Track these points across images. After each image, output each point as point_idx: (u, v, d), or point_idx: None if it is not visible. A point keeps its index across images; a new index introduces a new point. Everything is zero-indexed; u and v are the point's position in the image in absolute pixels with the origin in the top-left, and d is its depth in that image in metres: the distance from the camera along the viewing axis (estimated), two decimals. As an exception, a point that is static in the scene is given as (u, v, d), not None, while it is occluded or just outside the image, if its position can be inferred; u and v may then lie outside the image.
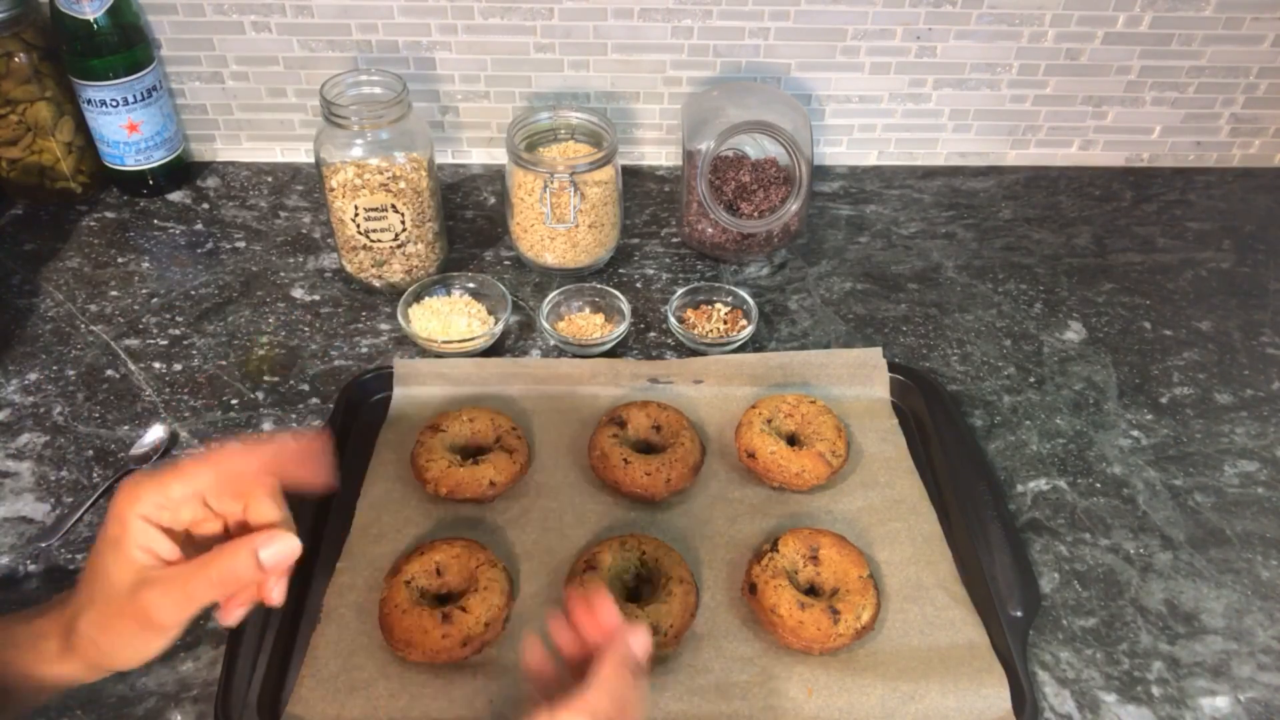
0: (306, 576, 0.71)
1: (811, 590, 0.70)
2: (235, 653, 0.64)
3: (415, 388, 0.85)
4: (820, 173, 1.15)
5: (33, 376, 0.86)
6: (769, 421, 0.79)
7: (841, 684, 0.64)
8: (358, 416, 0.83)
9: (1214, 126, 1.15)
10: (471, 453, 0.78)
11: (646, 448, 0.79)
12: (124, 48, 0.97)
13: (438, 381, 0.85)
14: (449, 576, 0.69)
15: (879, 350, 0.87)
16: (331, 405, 0.83)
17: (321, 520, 0.75)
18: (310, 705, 0.63)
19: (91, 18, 0.94)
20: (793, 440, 0.79)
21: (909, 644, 0.67)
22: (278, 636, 0.65)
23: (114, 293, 0.95)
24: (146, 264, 0.99)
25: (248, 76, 1.07)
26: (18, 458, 0.78)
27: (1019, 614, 0.68)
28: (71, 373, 0.86)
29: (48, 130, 1.00)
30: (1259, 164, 1.19)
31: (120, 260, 0.99)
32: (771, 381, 0.85)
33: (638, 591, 0.70)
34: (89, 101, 0.99)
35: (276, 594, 0.52)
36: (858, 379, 0.86)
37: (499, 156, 1.13)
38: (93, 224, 1.04)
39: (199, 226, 1.04)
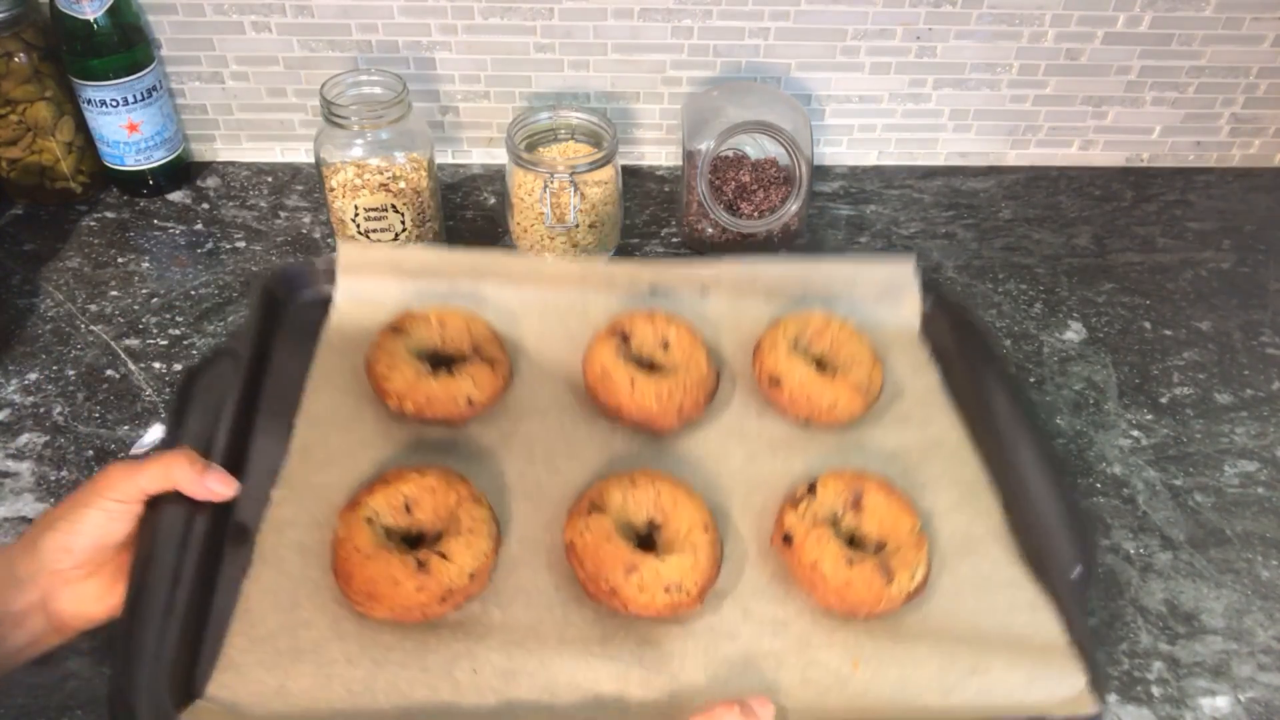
0: (225, 509, 0.58)
1: (852, 543, 0.60)
2: (136, 612, 0.51)
3: (364, 279, 0.72)
4: (820, 173, 1.15)
5: (33, 376, 0.86)
6: (794, 343, 0.68)
7: (892, 654, 0.55)
8: (287, 315, 0.71)
9: (1214, 126, 1.15)
10: (440, 363, 0.66)
11: (651, 367, 0.68)
12: (124, 48, 0.97)
13: (391, 274, 0.72)
14: (420, 514, 0.57)
15: (911, 264, 0.76)
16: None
17: (244, 439, 0.61)
18: (243, 673, 0.50)
19: (91, 18, 0.94)
20: (820, 366, 0.68)
21: (964, 607, 0.58)
22: (190, 599, 0.53)
23: (114, 293, 0.95)
24: (146, 264, 0.99)
25: (248, 76, 1.07)
26: (18, 458, 0.78)
27: (1075, 574, 0.59)
28: (71, 373, 0.86)
29: (48, 130, 1.00)
30: (1259, 164, 1.19)
31: (120, 260, 0.99)
32: (789, 295, 0.74)
33: (649, 539, 0.60)
34: (89, 101, 0.99)
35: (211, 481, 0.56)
36: (887, 297, 0.75)
37: (499, 156, 1.13)
38: (93, 224, 1.04)
39: (199, 226, 1.04)
